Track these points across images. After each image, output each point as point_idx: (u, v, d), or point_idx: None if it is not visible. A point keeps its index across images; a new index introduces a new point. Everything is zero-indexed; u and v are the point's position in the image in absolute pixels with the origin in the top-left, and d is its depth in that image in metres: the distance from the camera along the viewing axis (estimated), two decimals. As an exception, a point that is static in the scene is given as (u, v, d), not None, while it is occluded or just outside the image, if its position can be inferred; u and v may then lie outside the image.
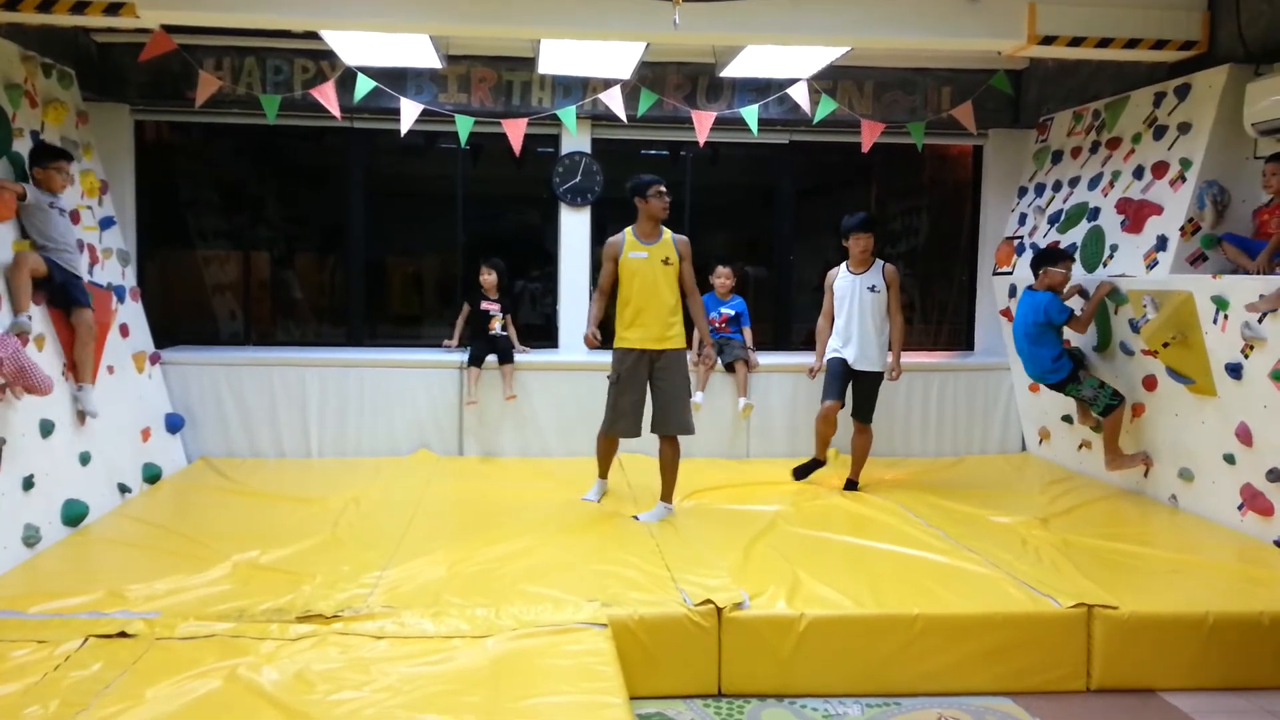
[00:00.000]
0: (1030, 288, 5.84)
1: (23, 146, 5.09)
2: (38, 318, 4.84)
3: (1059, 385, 5.78)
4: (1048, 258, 5.81)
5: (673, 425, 5.16)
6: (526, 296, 7.80)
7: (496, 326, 6.79)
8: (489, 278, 6.81)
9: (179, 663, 3.24)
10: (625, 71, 6.38)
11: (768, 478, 6.22)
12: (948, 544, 4.66)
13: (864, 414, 5.95)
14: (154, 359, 6.26)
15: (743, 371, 6.76)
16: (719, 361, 6.79)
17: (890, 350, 5.87)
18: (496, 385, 6.71)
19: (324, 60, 6.64)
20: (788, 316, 7.82)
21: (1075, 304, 5.85)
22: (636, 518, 5.09)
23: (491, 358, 6.69)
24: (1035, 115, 7.27)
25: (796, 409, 6.91)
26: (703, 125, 6.48)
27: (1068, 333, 5.91)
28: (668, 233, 5.20)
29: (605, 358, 6.82)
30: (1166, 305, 5.28)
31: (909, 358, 7.31)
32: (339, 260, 7.69)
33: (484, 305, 6.81)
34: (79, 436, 5.08)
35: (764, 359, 6.98)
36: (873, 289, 5.81)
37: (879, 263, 5.89)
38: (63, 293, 5.03)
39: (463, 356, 6.69)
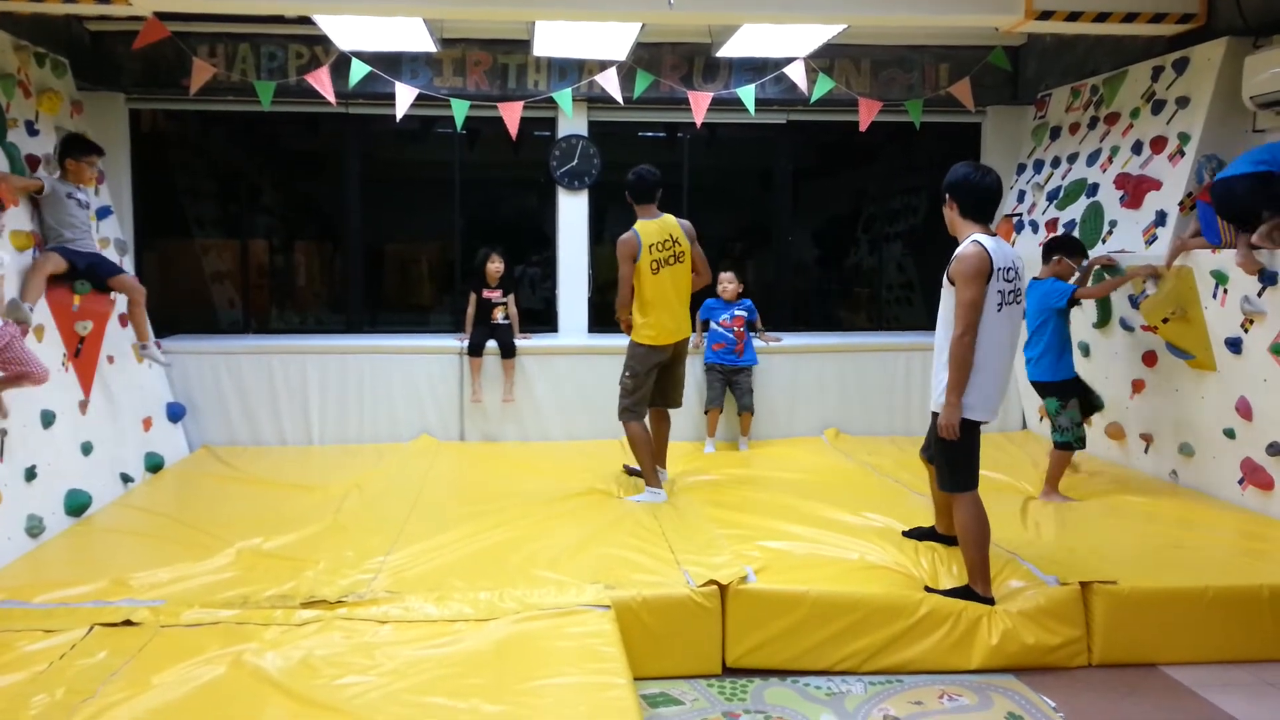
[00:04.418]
0: (1035, 277, 5.36)
1: (17, 137, 5.09)
2: (39, 309, 4.86)
3: (1051, 385, 5.25)
4: (1066, 246, 5.32)
5: None
6: (525, 281, 7.80)
7: (500, 316, 6.77)
8: (497, 265, 6.76)
9: (184, 650, 3.25)
10: (621, 53, 6.35)
11: (770, 459, 6.24)
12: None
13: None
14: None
15: (748, 419, 6.61)
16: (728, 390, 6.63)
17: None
18: (500, 375, 6.72)
19: (318, 46, 6.61)
20: (787, 299, 7.82)
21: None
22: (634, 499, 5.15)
23: (492, 344, 6.68)
24: (1033, 91, 7.24)
25: (795, 391, 6.91)
26: (700, 106, 6.46)
27: (1091, 375, 5.77)
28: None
29: (604, 341, 6.86)
30: (1166, 280, 5.28)
31: (907, 337, 7.33)
32: (337, 247, 7.68)
33: (486, 294, 6.78)
34: (81, 427, 5.09)
35: (762, 343, 6.94)
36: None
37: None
38: (93, 272, 5.23)
39: (463, 344, 6.69)
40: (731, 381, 6.60)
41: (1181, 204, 5.40)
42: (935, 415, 3.84)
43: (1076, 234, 6.13)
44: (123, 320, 5.86)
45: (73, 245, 5.13)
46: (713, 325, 6.64)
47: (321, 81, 6.05)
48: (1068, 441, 5.21)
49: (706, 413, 6.59)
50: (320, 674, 3.10)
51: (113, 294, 5.59)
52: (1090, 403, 5.41)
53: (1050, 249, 5.36)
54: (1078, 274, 5.43)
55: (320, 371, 6.64)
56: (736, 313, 6.60)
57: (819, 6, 5.32)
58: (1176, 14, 5.43)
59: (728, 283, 6.62)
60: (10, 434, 4.42)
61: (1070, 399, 5.24)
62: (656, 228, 5.14)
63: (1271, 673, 3.71)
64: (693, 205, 7.30)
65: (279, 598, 3.70)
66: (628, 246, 5.11)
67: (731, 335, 6.56)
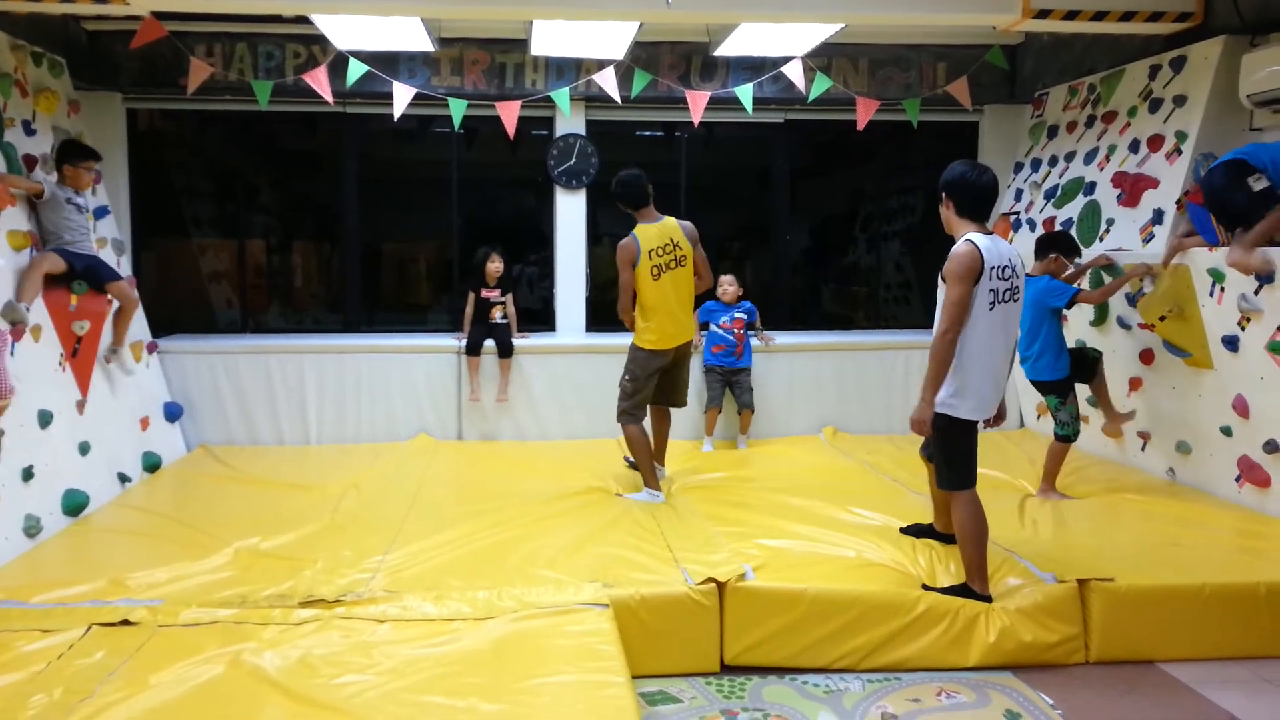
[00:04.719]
0: (1029, 274, 5.27)
1: (14, 136, 5.08)
2: (37, 309, 4.84)
3: (1050, 384, 5.24)
4: (1061, 244, 5.29)
5: None
6: (523, 280, 7.80)
7: (498, 315, 6.75)
8: (496, 265, 6.74)
9: (182, 649, 3.25)
10: (619, 52, 6.34)
11: (768, 458, 6.25)
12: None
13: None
14: (151, 348, 6.25)
15: (748, 417, 6.61)
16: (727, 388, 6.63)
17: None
18: (497, 374, 6.72)
19: (316, 45, 6.60)
20: (785, 298, 7.82)
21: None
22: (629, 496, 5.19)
23: (489, 342, 6.68)
24: (1031, 90, 7.24)
25: (793, 389, 6.91)
26: (697, 105, 6.46)
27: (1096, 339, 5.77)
28: None
29: (601, 340, 6.86)
30: (1163, 278, 5.28)
31: (905, 335, 7.34)
32: (334, 246, 7.68)
33: (485, 294, 6.76)
34: (78, 426, 5.08)
35: (759, 342, 6.95)
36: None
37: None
38: (91, 275, 5.24)
39: (461, 343, 6.68)
40: (731, 381, 6.60)
41: (1179, 202, 5.40)
42: (934, 414, 3.83)
43: (1074, 232, 6.13)
44: (120, 320, 5.86)
45: (71, 248, 5.13)
46: (712, 327, 6.63)
47: (319, 81, 6.04)
48: (1067, 435, 5.23)
49: (706, 412, 6.59)
50: (318, 673, 3.10)
51: (109, 295, 5.60)
52: (1086, 357, 5.37)
53: (1045, 246, 5.34)
54: (1070, 270, 5.43)
55: (318, 371, 6.64)
56: (736, 315, 6.59)
57: (816, 5, 5.31)
58: (1174, 12, 5.44)
59: (728, 285, 6.62)
60: (7, 434, 4.41)
61: (1069, 393, 5.24)
62: (656, 232, 5.09)
63: (1269, 669, 3.72)
64: (690, 204, 7.31)
65: (277, 597, 3.70)
66: (626, 252, 5.07)
67: (731, 338, 6.56)
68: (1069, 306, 5.19)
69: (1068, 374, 5.23)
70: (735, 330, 6.57)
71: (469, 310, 6.78)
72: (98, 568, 4.06)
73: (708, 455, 6.29)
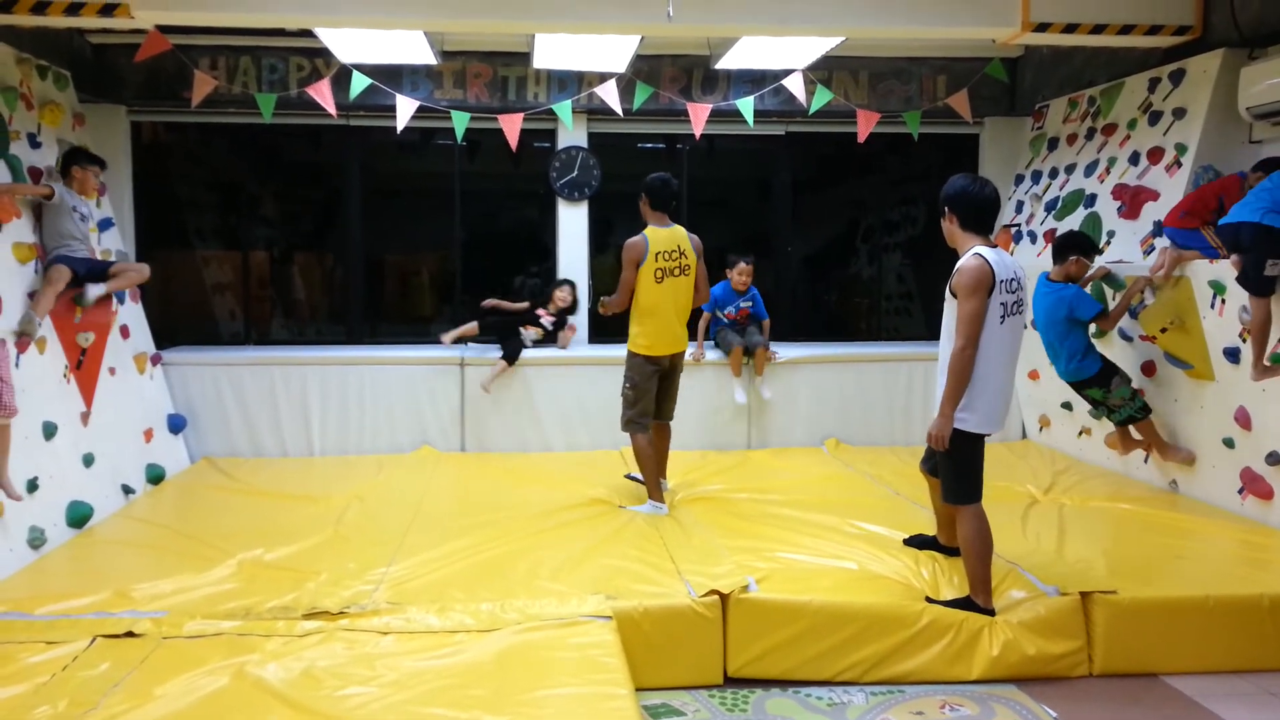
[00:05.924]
0: (1048, 277, 5.41)
1: (20, 149, 5.10)
2: (45, 323, 4.86)
3: (1084, 383, 5.39)
4: (1081, 245, 5.34)
5: None
6: (525, 292, 7.81)
7: (530, 333, 6.82)
8: (565, 295, 6.92)
9: (186, 661, 3.26)
10: (620, 65, 6.38)
11: (770, 469, 6.24)
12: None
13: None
14: (155, 360, 6.27)
15: (762, 356, 6.69)
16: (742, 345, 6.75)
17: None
18: (509, 384, 6.74)
19: (319, 58, 6.64)
20: (786, 309, 7.83)
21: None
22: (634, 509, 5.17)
23: (495, 352, 6.69)
24: (1031, 102, 7.27)
25: (795, 400, 6.92)
26: (699, 118, 6.48)
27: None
28: None
29: (605, 352, 6.87)
30: (1163, 290, 5.30)
31: (907, 347, 7.34)
32: (337, 258, 7.70)
33: (543, 315, 6.88)
34: (82, 438, 5.09)
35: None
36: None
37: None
38: (93, 275, 5.23)
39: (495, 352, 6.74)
40: (744, 329, 6.77)
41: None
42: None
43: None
44: (124, 332, 5.87)
45: (72, 253, 5.10)
46: (719, 314, 6.78)
47: (322, 94, 6.06)
48: (1131, 416, 5.34)
49: (729, 354, 6.71)
50: (322, 685, 3.11)
51: (114, 306, 5.62)
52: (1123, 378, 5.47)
53: (1064, 249, 5.35)
54: (1090, 273, 5.50)
55: (321, 382, 6.64)
56: (742, 305, 6.75)
57: (817, 19, 5.34)
58: (1172, 25, 5.47)
59: (744, 275, 6.69)
60: (12, 446, 4.42)
61: (1111, 378, 5.32)
62: (666, 236, 5.09)
63: (1273, 682, 3.72)
64: (692, 216, 7.32)
65: (281, 609, 3.71)
66: (634, 250, 5.04)
67: (736, 323, 6.77)
68: (1088, 322, 5.30)
69: (1102, 363, 5.35)
70: (741, 318, 6.77)
71: (511, 306, 6.93)
72: (102, 579, 4.07)
73: (708, 465, 6.25)
